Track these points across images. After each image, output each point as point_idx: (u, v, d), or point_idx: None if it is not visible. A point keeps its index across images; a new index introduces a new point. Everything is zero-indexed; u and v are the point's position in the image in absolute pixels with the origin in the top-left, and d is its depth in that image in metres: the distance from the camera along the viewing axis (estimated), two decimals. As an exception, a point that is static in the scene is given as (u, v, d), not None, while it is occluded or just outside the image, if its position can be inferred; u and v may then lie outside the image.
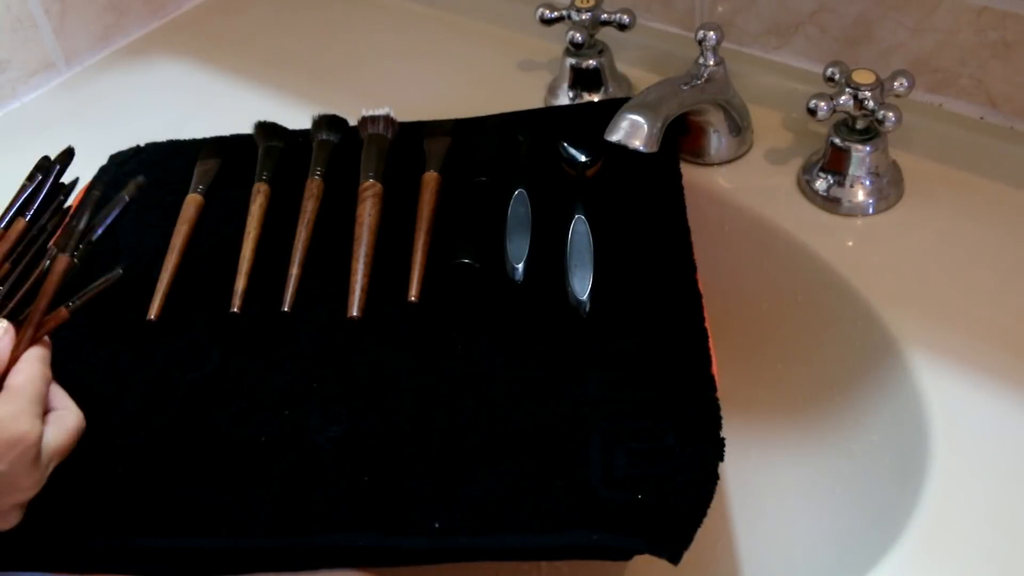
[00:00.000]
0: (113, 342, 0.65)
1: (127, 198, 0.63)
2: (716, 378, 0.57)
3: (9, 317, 0.57)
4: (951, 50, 0.72)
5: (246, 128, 0.79)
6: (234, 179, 0.76)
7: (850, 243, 0.69)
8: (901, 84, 0.68)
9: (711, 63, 0.72)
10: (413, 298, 0.65)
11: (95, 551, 0.55)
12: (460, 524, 0.53)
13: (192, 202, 0.73)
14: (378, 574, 0.55)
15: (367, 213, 0.69)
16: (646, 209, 0.69)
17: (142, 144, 0.82)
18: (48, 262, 0.59)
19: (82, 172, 0.77)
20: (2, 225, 0.65)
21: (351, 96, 0.87)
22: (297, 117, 0.80)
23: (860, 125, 0.70)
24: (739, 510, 0.70)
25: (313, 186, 0.72)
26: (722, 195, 0.75)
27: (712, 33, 0.71)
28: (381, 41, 0.97)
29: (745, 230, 0.74)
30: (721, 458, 0.53)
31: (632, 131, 0.64)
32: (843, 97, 0.68)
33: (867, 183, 0.71)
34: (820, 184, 0.72)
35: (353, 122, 0.78)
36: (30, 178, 0.67)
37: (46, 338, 0.55)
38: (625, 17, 0.78)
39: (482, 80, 0.89)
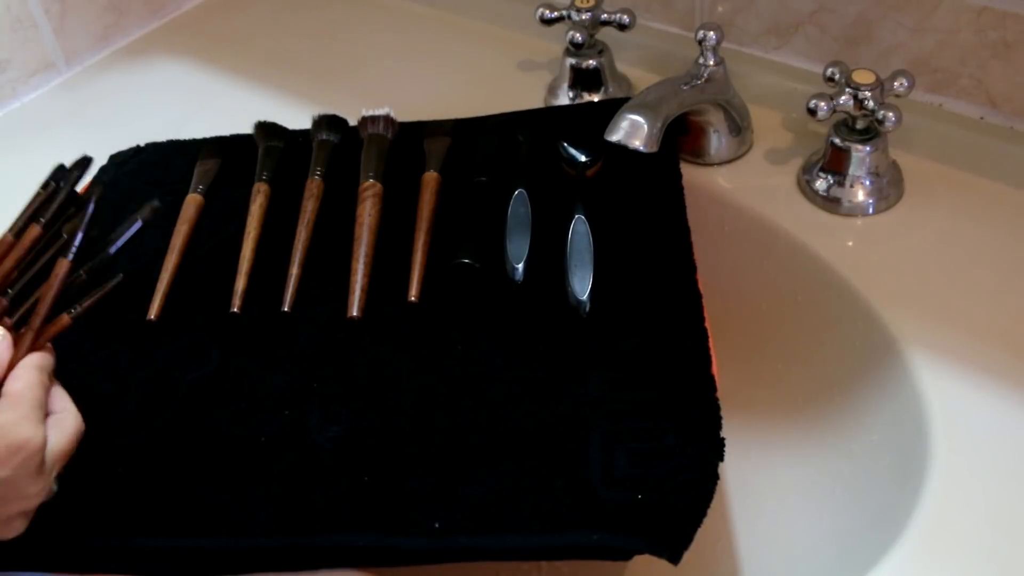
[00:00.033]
0: (113, 342, 0.65)
1: (141, 221, 0.63)
2: (716, 378, 0.57)
3: (17, 323, 0.57)
4: (951, 50, 0.72)
5: (246, 128, 0.79)
6: (234, 179, 0.76)
7: (850, 243, 0.69)
8: (901, 84, 0.68)
9: (711, 63, 0.72)
10: (413, 298, 0.65)
11: (95, 551, 0.55)
12: (460, 524, 0.53)
13: (192, 202, 0.73)
14: (378, 574, 0.55)
15: (367, 213, 0.69)
16: (646, 209, 0.69)
17: (142, 144, 0.82)
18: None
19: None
20: (15, 231, 0.65)
21: (351, 96, 0.87)
22: (297, 117, 0.80)
23: (860, 125, 0.70)
24: (739, 510, 0.70)
25: (313, 186, 0.72)
26: (722, 195, 0.75)
27: (712, 33, 0.71)
28: (381, 41, 0.97)
29: (745, 230, 0.74)
30: (721, 458, 0.53)
31: (632, 131, 0.64)
32: (843, 97, 0.68)
33: (867, 183, 0.71)
34: (820, 184, 0.72)
35: (353, 122, 0.78)
36: (45, 186, 0.67)
37: (48, 344, 0.55)
38: (625, 17, 0.78)
39: (482, 80, 0.89)
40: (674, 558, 0.50)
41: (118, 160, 0.81)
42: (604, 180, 0.71)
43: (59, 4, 0.94)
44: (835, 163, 0.71)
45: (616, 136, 0.65)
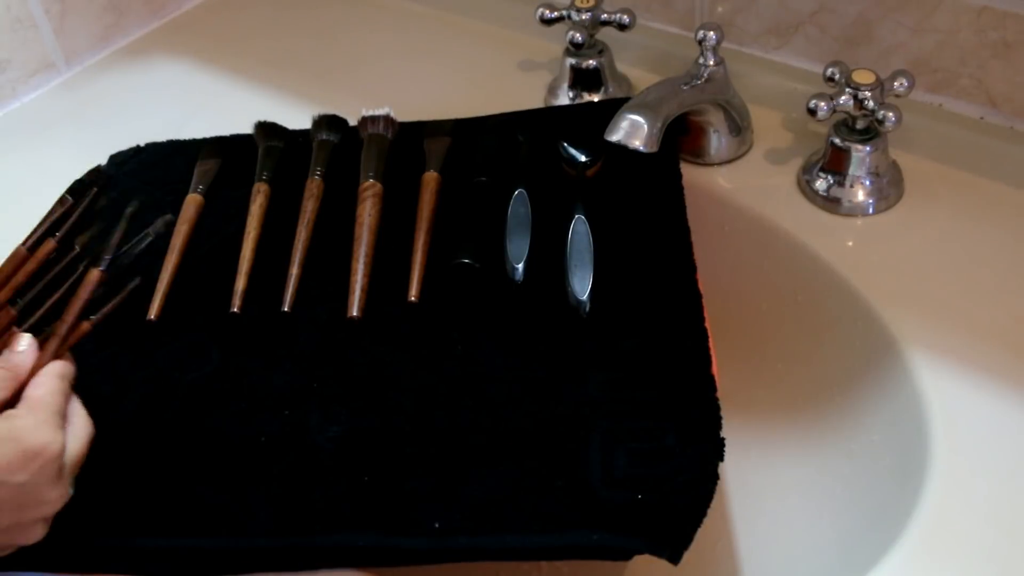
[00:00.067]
0: (113, 342, 0.65)
1: (153, 235, 0.63)
2: (716, 378, 0.57)
3: (31, 331, 0.57)
4: (951, 50, 0.72)
5: (246, 128, 0.79)
6: (234, 179, 0.76)
7: (850, 243, 0.69)
8: (901, 84, 0.68)
9: (711, 63, 0.72)
10: (413, 298, 0.65)
11: (95, 551, 0.55)
12: (460, 524, 0.53)
13: (192, 202, 0.73)
14: (378, 574, 0.55)
15: (367, 213, 0.69)
16: (646, 209, 0.69)
17: (142, 144, 0.82)
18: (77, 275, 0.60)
19: (82, 172, 0.77)
20: (30, 245, 0.65)
21: (351, 96, 0.87)
22: (297, 117, 0.80)
23: (860, 125, 0.70)
24: (739, 510, 0.70)
25: (313, 186, 0.72)
26: (722, 195, 0.75)
27: (712, 33, 0.71)
28: (381, 41, 0.97)
29: (745, 230, 0.74)
30: (721, 458, 0.53)
31: (632, 131, 0.64)
32: (843, 97, 0.68)
33: (867, 183, 0.71)
34: (820, 184, 0.72)
35: (353, 122, 0.78)
36: (61, 201, 0.67)
37: (68, 352, 0.55)
38: (625, 17, 0.78)
39: (482, 80, 0.89)
40: (674, 558, 0.50)
41: (118, 160, 0.81)
42: (604, 180, 0.71)
43: (59, 4, 0.94)
44: (835, 163, 0.71)
45: (616, 136, 0.65)
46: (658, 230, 0.67)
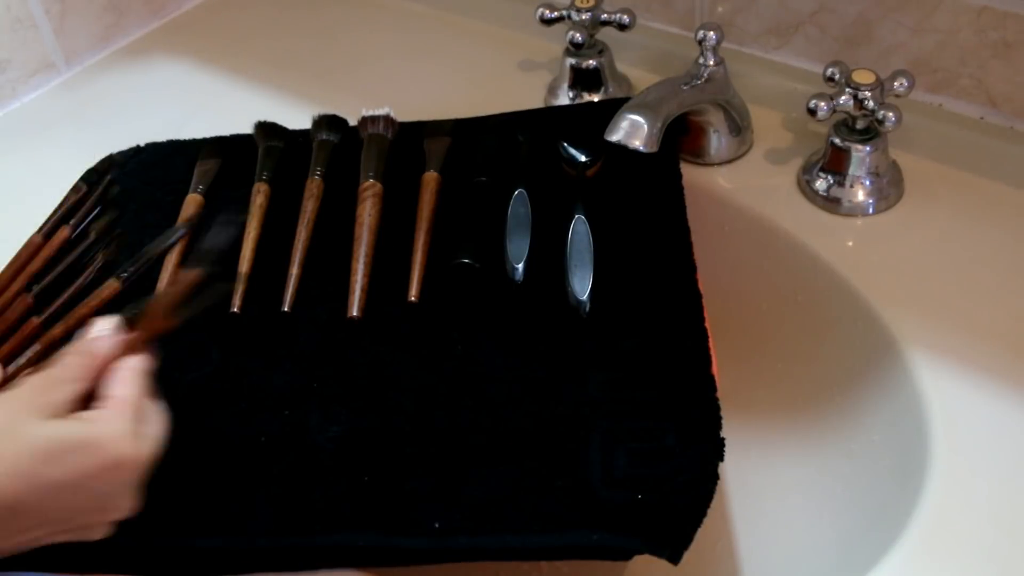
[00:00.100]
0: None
1: (183, 231, 0.66)
2: (716, 378, 0.57)
3: (47, 321, 0.56)
4: (951, 50, 0.72)
5: (246, 128, 0.79)
6: (234, 179, 0.76)
7: (850, 243, 0.69)
8: (901, 84, 0.68)
9: (711, 63, 0.72)
10: (413, 298, 0.65)
11: (95, 551, 0.55)
12: (460, 524, 0.53)
13: (192, 202, 0.73)
14: (378, 574, 0.55)
15: (367, 213, 0.69)
16: (646, 209, 0.69)
17: (142, 144, 0.82)
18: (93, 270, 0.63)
19: (82, 172, 0.77)
20: (45, 233, 0.67)
21: (351, 96, 0.87)
22: (297, 117, 0.80)
23: (860, 125, 0.70)
24: (739, 510, 0.70)
25: (313, 186, 0.72)
26: (722, 195, 0.75)
27: (712, 33, 0.71)
28: (381, 41, 0.97)
29: (745, 230, 0.74)
30: (721, 458, 0.53)
31: (632, 131, 0.64)
32: (843, 97, 0.68)
33: (867, 183, 0.71)
34: (820, 184, 0.72)
35: (353, 122, 0.78)
36: (75, 189, 0.68)
37: (147, 348, 0.52)
38: (625, 17, 0.78)
39: (482, 80, 0.89)
40: (674, 558, 0.50)
41: (118, 160, 0.81)
42: (604, 180, 0.71)
43: (59, 4, 0.94)
44: (835, 163, 0.71)
45: (616, 136, 0.65)
46: (658, 230, 0.67)
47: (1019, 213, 0.69)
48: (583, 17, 0.79)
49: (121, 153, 0.81)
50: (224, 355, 0.63)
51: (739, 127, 0.76)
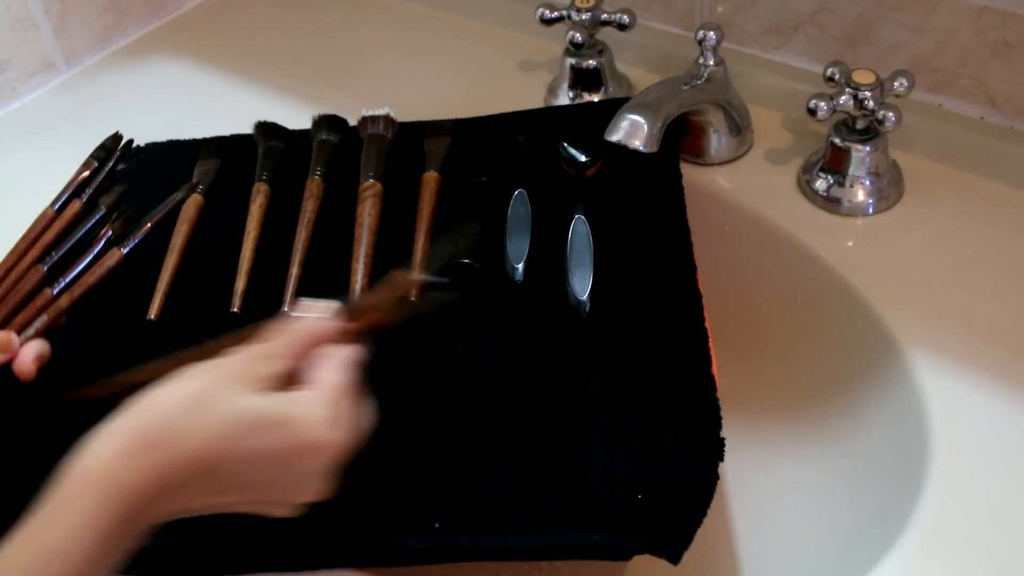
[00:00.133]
0: (113, 342, 0.65)
1: (181, 193, 0.68)
2: (716, 378, 0.57)
3: (59, 293, 0.60)
4: (951, 50, 0.72)
5: (246, 128, 0.79)
6: (234, 179, 0.76)
7: (850, 243, 0.69)
8: (901, 84, 0.68)
9: (711, 63, 0.72)
10: (413, 298, 0.65)
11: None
12: (460, 524, 0.53)
13: (192, 202, 0.73)
14: (378, 574, 0.55)
15: (367, 213, 0.69)
16: (646, 209, 0.69)
17: (142, 144, 0.82)
18: (100, 248, 0.65)
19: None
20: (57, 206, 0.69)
21: (351, 96, 0.87)
22: (297, 117, 0.80)
23: (860, 125, 0.70)
24: (739, 510, 0.70)
25: (313, 186, 0.72)
26: (722, 195, 0.75)
27: (712, 33, 0.71)
28: (381, 41, 0.97)
29: (745, 230, 0.74)
30: (721, 458, 0.53)
31: (632, 131, 0.64)
32: (843, 97, 0.68)
33: (867, 183, 0.71)
34: (820, 184, 0.72)
35: (353, 122, 0.78)
36: (86, 164, 0.70)
37: (361, 339, 0.51)
38: (625, 17, 0.78)
39: (482, 80, 0.89)
40: (674, 558, 0.50)
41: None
42: (604, 180, 0.71)
43: (59, 4, 0.94)
44: (835, 163, 0.71)
45: (616, 136, 0.65)
46: (658, 230, 0.67)
47: (1019, 213, 0.69)
48: (583, 17, 0.79)
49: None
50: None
51: (739, 127, 0.76)
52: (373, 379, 0.60)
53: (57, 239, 0.66)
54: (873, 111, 0.67)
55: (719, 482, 0.52)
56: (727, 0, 0.81)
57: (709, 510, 0.51)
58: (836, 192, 0.71)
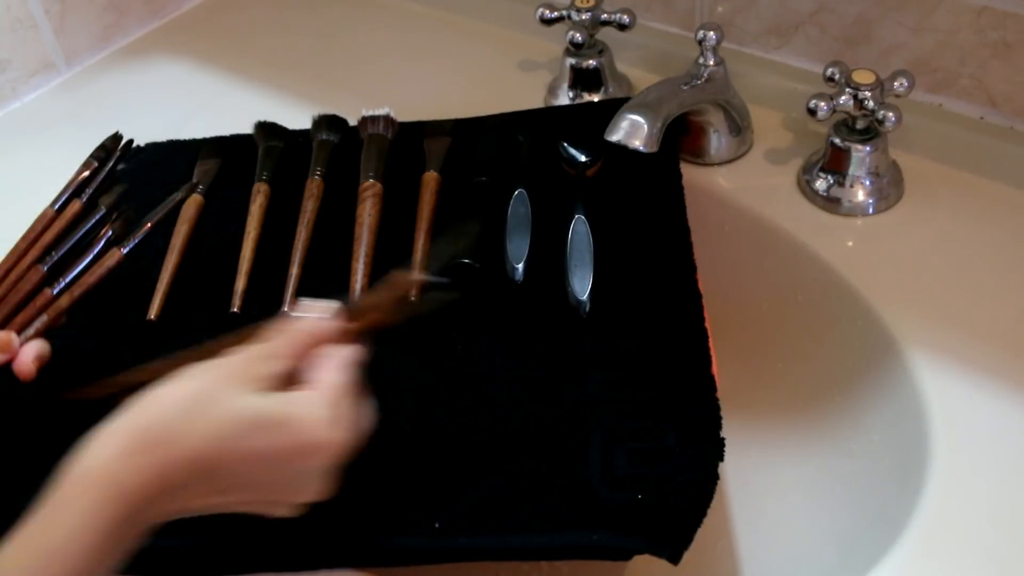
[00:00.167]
0: (113, 342, 0.65)
1: (182, 193, 0.68)
2: (716, 378, 0.57)
3: (59, 293, 0.60)
4: (951, 50, 0.72)
5: (246, 128, 0.79)
6: (234, 179, 0.76)
7: (850, 243, 0.69)
8: (901, 84, 0.68)
9: (711, 63, 0.72)
10: (413, 298, 0.65)
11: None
12: (460, 524, 0.53)
13: (192, 202, 0.73)
14: (378, 574, 0.55)
15: (367, 213, 0.69)
16: (646, 209, 0.69)
17: (142, 144, 0.82)
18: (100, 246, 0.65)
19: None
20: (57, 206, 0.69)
21: (351, 96, 0.87)
22: (297, 117, 0.80)
23: (860, 125, 0.70)
24: (739, 510, 0.70)
25: (313, 186, 0.72)
26: (722, 195, 0.75)
27: (712, 33, 0.71)
28: (381, 41, 0.97)
29: (745, 230, 0.74)
30: (721, 458, 0.53)
31: (632, 131, 0.64)
32: (843, 97, 0.68)
33: (867, 183, 0.71)
34: (820, 184, 0.72)
35: (353, 122, 0.78)
36: (86, 164, 0.70)
37: (362, 339, 0.51)
38: (625, 17, 0.78)
39: (482, 80, 0.89)
40: (674, 558, 0.50)
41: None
42: (604, 180, 0.71)
43: (59, 4, 0.94)
44: (835, 163, 0.71)
45: (616, 136, 0.65)
46: (658, 230, 0.67)
47: (1019, 213, 0.69)
48: (583, 17, 0.79)
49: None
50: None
51: (739, 127, 0.76)
52: (373, 379, 0.60)
53: (57, 239, 0.66)
54: (873, 111, 0.67)
55: (719, 482, 0.52)
56: (727, 0, 0.81)
57: (709, 510, 0.51)
58: (836, 192, 0.71)
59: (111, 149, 0.72)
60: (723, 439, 0.54)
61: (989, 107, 0.72)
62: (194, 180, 0.75)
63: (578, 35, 0.78)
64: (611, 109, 0.66)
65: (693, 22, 0.84)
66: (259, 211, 0.71)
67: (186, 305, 0.67)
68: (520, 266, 0.65)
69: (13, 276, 0.65)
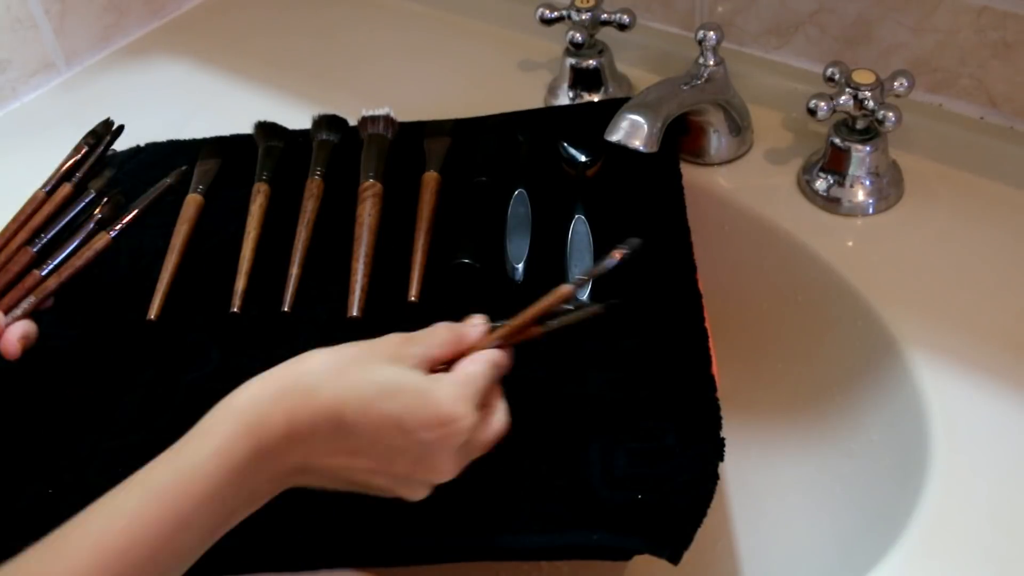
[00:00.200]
0: (113, 342, 0.65)
1: (170, 180, 0.69)
2: (716, 378, 0.57)
3: (48, 274, 0.61)
4: (951, 50, 0.72)
5: (246, 128, 0.79)
6: (234, 179, 0.76)
7: (850, 243, 0.69)
8: (901, 84, 0.68)
9: (711, 63, 0.72)
10: (413, 298, 0.65)
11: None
12: (460, 524, 0.53)
13: (192, 202, 0.73)
14: (378, 574, 0.55)
15: (367, 213, 0.69)
16: (646, 209, 0.69)
17: (142, 144, 0.82)
18: (89, 232, 0.65)
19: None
20: (48, 188, 0.69)
21: (351, 96, 0.87)
22: (297, 117, 0.80)
23: (860, 125, 0.70)
24: (739, 510, 0.70)
25: (313, 186, 0.72)
26: (722, 195, 0.75)
27: (712, 33, 0.71)
28: (381, 41, 0.97)
29: (745, 230, 0.74)
30: (721, 458, 0.53)
31: (632, 131, 0.64)
32: (843, 97, 0.68)
33: (867, 183, 0.71)
34: (820, 184, 0.72)
35: (353, 122, 0.78)
36: (77, 149, 0.71)
37: (511, 349, 0.54)
38: (625, 17, 0.78)
39: (482, 80, 0.89)
40: (674, 558, 0.50)
41: (118, 160, 0.81)
42: (604, 180, 0.71)
43: (59, 4, 0.94)
44: (835, 163, 0.71)
45: (616, 136, 0.65)
46: (658, 230, 0.67)
47: (1019, 213, 0.69)
48: (583, 17, 0.79)
49: (121, 153, 0.81)
50: (224, 355, 0.63)
51: (739, 127, 0.76)
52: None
53: (47, 222, 0.67)
54: (873, 111, 0.67)
55: (719, 482, 0.52)
56: (727, 0, 0.81)
57: (709, 510, 0.51)
58: (836, 192, 0.71)
59: (102, 135, 0.73)
60: (723, 439, 0.54)
61: (989, 107, 0.72)
62: (195, 181, 0.75)
63: (578, 35, 0.78)
64: (611, 109, 0.66)
65: (693, 22, 0.84)
66: (259, 211, 0.71)
67: (186, 305, 0.67)
68: (520, 266, 0.65)
69: (2, 257, 0.65)
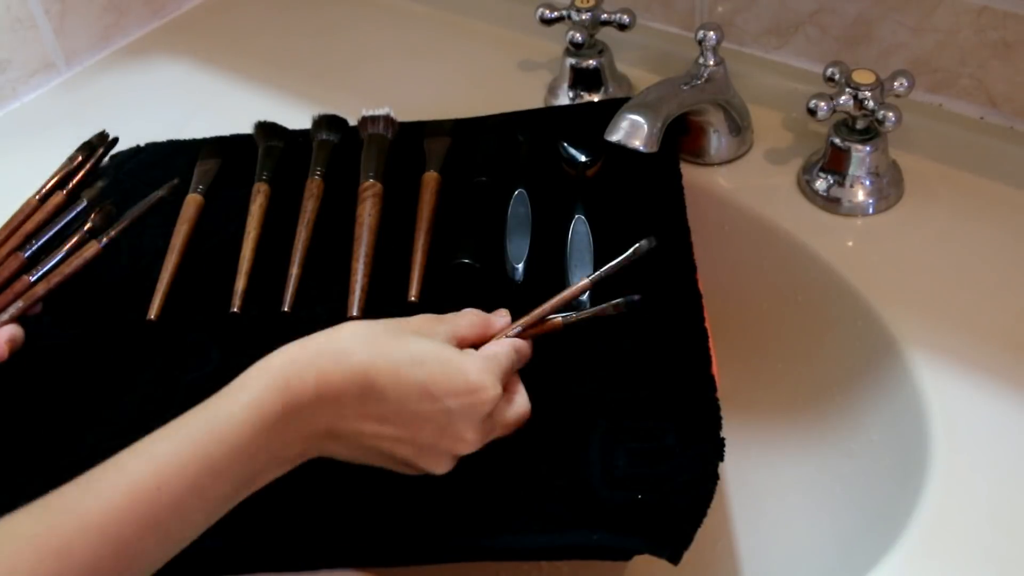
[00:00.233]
0: (113, 342, 0.65)
1: (163, 192, 0.68)
2: (716, 378, 0.57)
3: (38, 280, 0.62)
4: (951, 50, 0.72)
5: (246, 128, 0.79)
6: (234, 179, 0.76)
7: (850, 243, 0.69)
8: (901, 84, 0.68)
9: (711, 63, 0.72)
10: (413, 298, 0.65)
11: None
12: (460, 524, 0.53)
13: (192, 202, 0.73)
14: (378, 574, 0.55)
15: (367, 213, 0.69)
16: (646, 209, 0.69)
17: (142, 144, 0.82)
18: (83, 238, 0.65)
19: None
20: (41, 196, 0.70)
21: (351, 96, 0.87)
22: (297, 117, 0.80)
23: (860, 125, 0.70)
24: (739, 510, 0.70)
25: (313, 186, 0.72)
26: (722, 195, 0.75)
27: (712, 33, 0.71)
28: (381, 41, 0.97)
29: (745, 230, 0.74)
30: (721, 458, 0.53)
31: (632, 131, 0.64)
32: (843, 97, 0.68)
33: (867, 183, 0.71)
34: (820, 184, 0.72)
35: (353, 122, 0.78)
36: (71, 158, 0.71)
37: (529, 342, 0.57)
38: (625, 17, 0.78)
39: (482, 80, 0.89)
40: (674, 558, 0.50)
41: (118, 160, 0.81)
42: (604, 180, 0.71)
43: (59, 4, 0.94)
44: (835, 163, 0.71)
45: (616, 136, 0.65)
46: (658, 230, 0.67)
47: (1019, 213, 0.69)
48: (583, 17, 0.79)
49: (121, 153, 0.81)
50: (224, 355, 0.63)
51: (739, 127, 0.76)
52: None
53: (38, 229, 0.67)
54: (873, 111, 0.67)
55: (719, 482, 0.52)
56: (727, 0, 0.81)
57: (709, 510, 0.51)
58: (836, 192, 0.71)
59: (96, 146, 0.73)
60: (723, 439, 0.54)
61: (989, 107, 0.72)
62: (195, 181, 0.75)
63: (578, 35, 0.78)
64: (611, 109, 0.66)
65: (693, 22, 0.84)
66: (259, 211, 0.71)
67: (186, 305, 0.67)
68: (520, 266, 0.65)
69: None
